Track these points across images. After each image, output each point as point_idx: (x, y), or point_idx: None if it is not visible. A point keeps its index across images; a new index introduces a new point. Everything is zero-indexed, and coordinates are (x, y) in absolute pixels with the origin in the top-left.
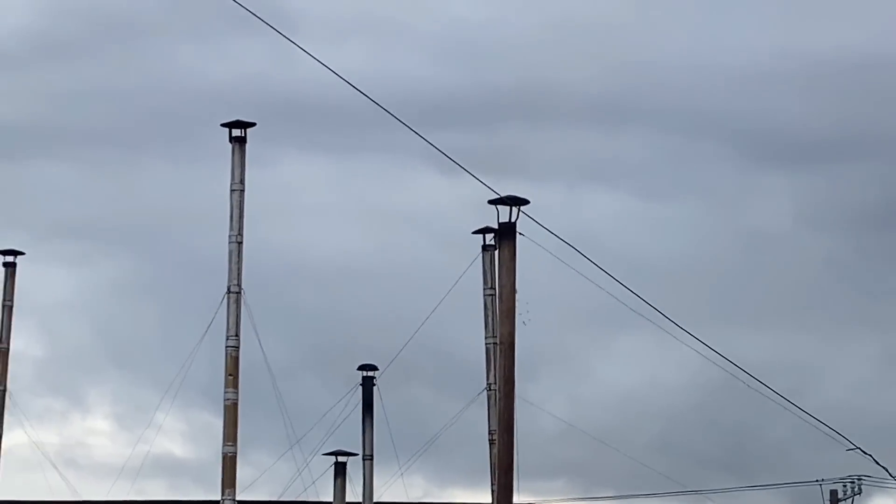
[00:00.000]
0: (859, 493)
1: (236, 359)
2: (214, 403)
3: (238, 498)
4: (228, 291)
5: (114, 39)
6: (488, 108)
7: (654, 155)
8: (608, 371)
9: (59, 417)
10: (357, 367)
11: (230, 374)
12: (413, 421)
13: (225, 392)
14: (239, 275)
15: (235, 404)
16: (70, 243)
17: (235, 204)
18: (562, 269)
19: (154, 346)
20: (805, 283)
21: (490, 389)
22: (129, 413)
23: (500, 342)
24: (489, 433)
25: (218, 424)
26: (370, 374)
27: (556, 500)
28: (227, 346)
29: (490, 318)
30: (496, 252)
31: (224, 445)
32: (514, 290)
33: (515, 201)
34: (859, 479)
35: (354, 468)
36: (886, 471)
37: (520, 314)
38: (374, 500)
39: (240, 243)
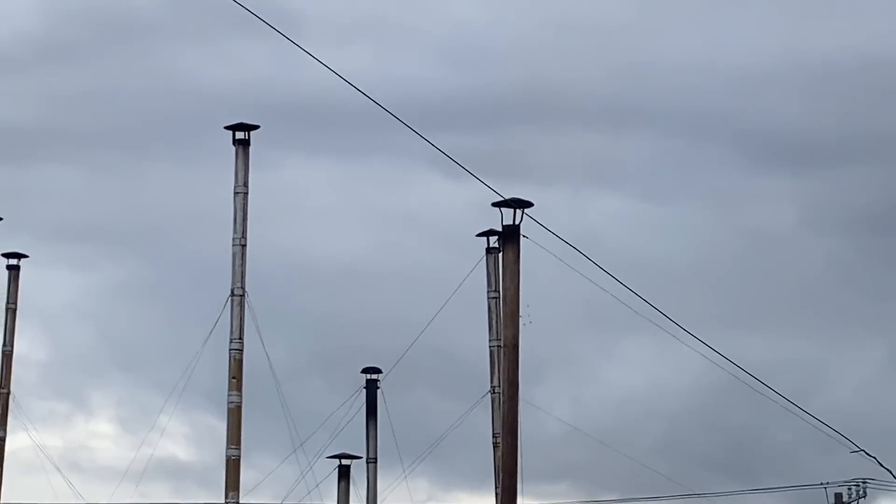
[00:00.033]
0: (864, 496)
1: (240, 361)
2: (218, 406)
3: (242, 501)
4: (232, 294)
5: (117, 42)
6: (492, 110)
7: (657, 157)
8: (612, 374)
9: (63, 420)
10: (361, 369)
11: (234, 377)
12: (417, 424)
13: (228, 395)
14: (242, 277)
15: (239, 407)
16: (73, 246)
17: (239, 206)
18: (565, 271)
19: (157, 349)
20: (808, 286)
21: (494, 392)
22: (132, 416)
23: (504, 345)
24: (493, 436)
25: (221, 427)
26: (374, 376)
27: (560, 503)
28: (230, 349)
29: (494, 321)
30: (500, 255)
31: (228, 448)
32: (517, 293)
33: (519, 204)
34: (864, 482)
35: (358, 471)
36: (890, 472)
37: (521, 316)
38: (378, 503)
39: (243, 246)
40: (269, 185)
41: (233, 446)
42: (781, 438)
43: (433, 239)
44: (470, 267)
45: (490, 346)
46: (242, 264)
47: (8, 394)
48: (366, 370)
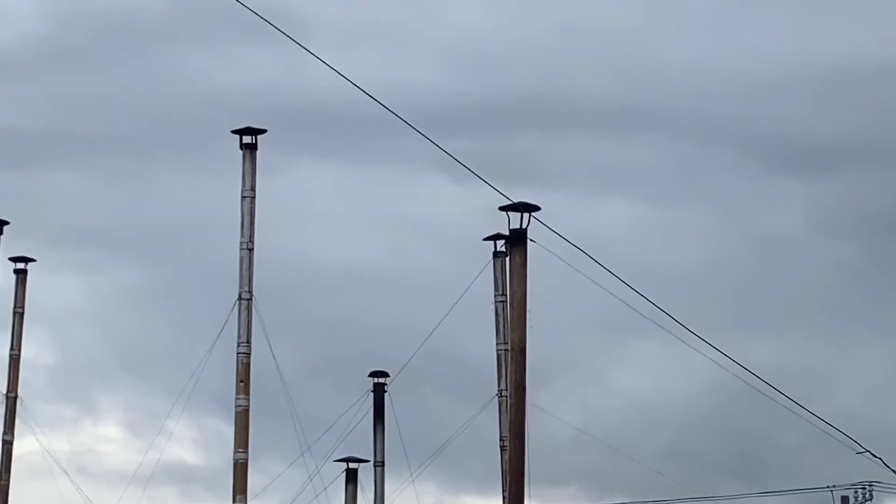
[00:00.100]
0: (870, 499)
1: (247, 365)
2: (225, 410)
3: None
4: (239, 298)
5: (124, 46)
6: (499, 114)
7: (665, 162)
8: (619, 377)
9: (71, 424)
10: (368, 373)
11: (241, 381)
12: (424, 427)
13: (236, 399)
14: (250, 281)
15: (247, 411)
16: (81, 250)
17: (246, 211)
18: (573, 275)
19: (165, 353)
20: (817, 290)
21: (501, 396)
22: (140, 420)
23: (512, 348)
24: (500, 439)
25: (229, 431)
26: (381, 380)
27: None
28: (238, 353)
29: (501, 325)
30: (507, 258)
31: (235, 452)
32: (525, 297)
33: (526, 208)
34: (870, 486)
35: (366, 475)
36: None
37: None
38: None
39: (251, 250)
40: (277, 189)
41: (240, 450)
42: (788, 442)
43: (440, 243)
44: (477, 271)
45: (497, 350)
46: (250, 268)
47: (15, 398)
48: (373, 374)
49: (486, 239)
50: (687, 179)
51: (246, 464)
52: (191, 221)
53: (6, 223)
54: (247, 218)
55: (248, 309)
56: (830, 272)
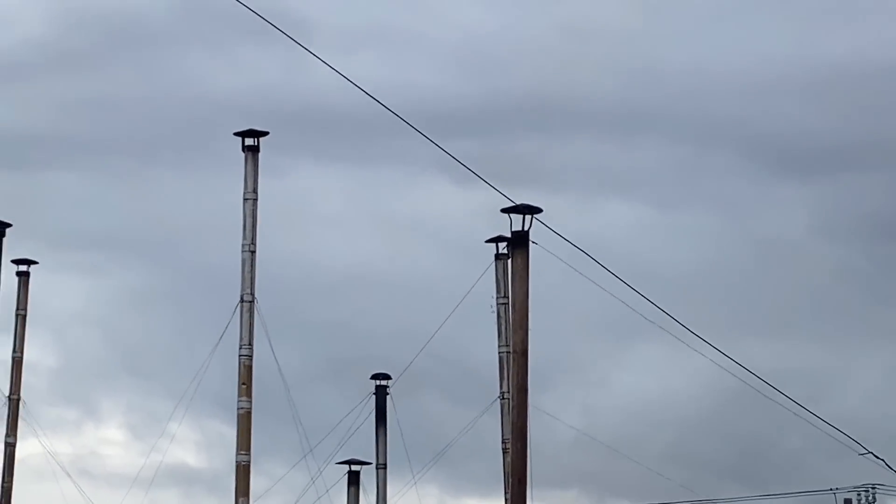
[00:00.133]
0: (874, 502)
1: (250, 368)
2: (228, 413)
3: None
4: (242, 300)
5: (126, 49)
6: (501, 117)
7: (666, 164)
8: (621, 380)
9: (73, 427)
10: (370, 375)
11: (243, 383)
12: (426, 430)
13: (238, 401)
14: (252, 284)
15: (249, 413)
16: (83, 253)
17: (248, 213)
18: (575, 277)
19: (167, 356)
20: (818, 292)
21: (503, 398)
22: (142, 422)
23: (514, 351)
24: (502, 442)
25: (231, 434)
26: (383, 383)
27: None
28: (240, 355)
29: (503, 327)
30: (509, 261)
31: (238, 454)
32: (526, 299)
33: (528, 210)
34: (873, 488)
35: (368, 477)
36: None
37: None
38: None
39: (253, 252)
40: (279, 192)
41: (242, 452)
42: (791, 445)
43: (442, 245)
44: (479, 273)
45: (499, 352)
46: (252, 270)
47: (18, 400)
48: (375, 376)
49: (487, 241)
50: (688, 181)
51: (248, 466)
52: (193, 224)
53: (9, 225)
54: (249, 220)
55: (251, 311)
56: (831, 274)
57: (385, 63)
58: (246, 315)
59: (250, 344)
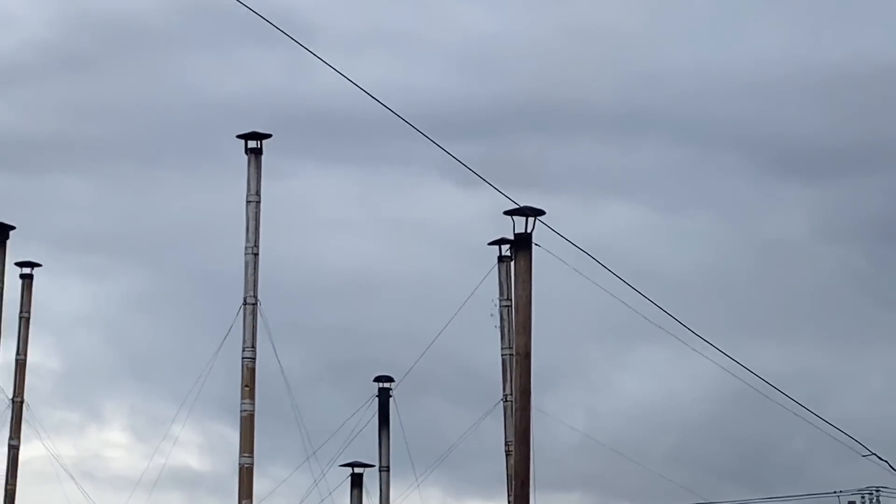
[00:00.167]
0: None
1: (252, 370)
2: (231, 415)
3: None
4: (245, 303)
5: (130, 53)
6: (504, 119)
7: (669, 166)
8: (624, 382)
9: (76, 430)
10: (373, 378)
11: (246, 386)
12: (429, 432)
13: (241, 403)
14: (255, 286)
15: (252, 415)
16: (86, 255)
17: (251, 215)
18: (578, 279)
19: (170, 358)
20: (821, 294)
21: (506, 401)
22: (145, 425)
23: (516, 353)
24: (505, 444)
25: (234, 436)
26: (386, 385)
27: None
28: (243, 358)
29: (506, 329)
30: (512, 263)
31: (241, 457)
32: (529, 301)
33: (531, 212)
34: (877, 491)
35: (371, 479)
36: None
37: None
38: None
39: (256, 255)
40: (282, 194)
41: (246, 454)
42: (794, 447)
43: (445, 248)
44: (482, 275)
45: (502, 355)
46: (255, 273)
47: (21, 402)
48: (378, 379)
49: (490, 243)
50: (690, 183)
51: (251, 468)
52: (196, 226)
53: (12, 228)
54: (252, 223)
55: (254, 314)
56: (834, 276)
57: (388, 66)
58: (249, 317)
59: (253, 346)
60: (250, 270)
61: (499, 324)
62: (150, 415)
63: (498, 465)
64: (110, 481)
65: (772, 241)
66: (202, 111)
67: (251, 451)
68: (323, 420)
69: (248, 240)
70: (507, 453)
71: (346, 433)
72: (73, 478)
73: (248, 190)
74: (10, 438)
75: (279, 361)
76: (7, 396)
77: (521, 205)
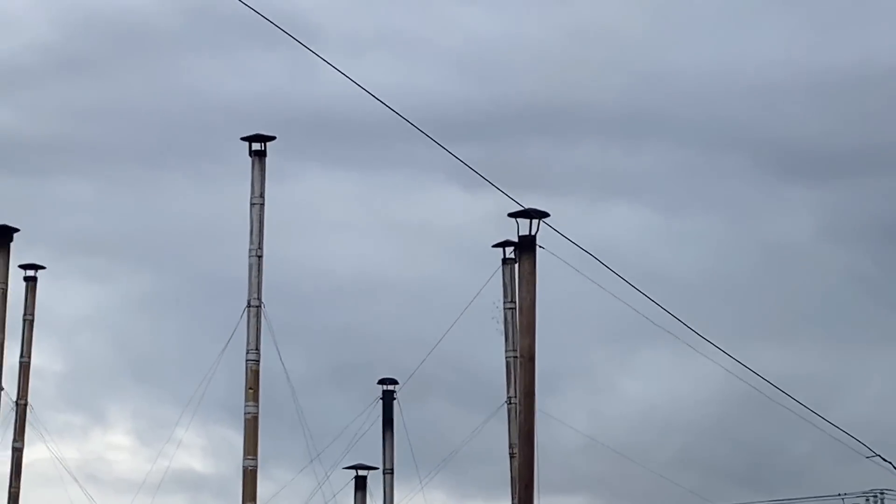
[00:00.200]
0: None
1: (256, 372)
2: (234, 418)
3: None
4: (249, 305)
5: (133, 55)
6: (508, 122)
7: (673, 168)
8: (629, 385)
9: (80, 432)
10: (377, 380)
11: (250, 388)
12: (433, 435)
13: (245, 406)
14: (259, 289)
15: (256, 418)
16: (90, 258)
17: (255, 218)
18: (582, 282)
19: (174, 361)
20: (825, 296)
21: (510, 403)
22: (149, 428)
23: (521, 355)
24: (509, 447)
25: (238, 439)
26: (390, 388)
27: None
28: (247, 360)
29: (510, 332)
30: (516, 265)
31: (245, 459)
32: (534, 303)
33: (536, 214)
34: (882, 493)
35: (375, 482)
36: None
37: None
38: None
39: (260, 257)
40: (286, 197)
41: (249, 457)
42: (799, 450)
43: (449, 250)
44: (486, 278)
45: (506, 357)
46: (259, 275)
47: (25, 405)
48: (382, 381)
49: (495, 246)
50: (695, 186)
51: (255, 471)
52: (200, 229)
53: (16, 230)
54: (256, 225)
55: (258, 316)
56: (839, 278)
57: (391, 68)
58: (253, 320)
59: (257, 349)
60: (254, 273)
61: (501, 327)
62: (154, 417)
63: (502, 468)
64: (114, 484)
65: (776, 243)
66: (205, 113)
67: (255, 454)
68: (327, 422)
69: (251, 242)
70: (511, 456)
71: (349, 436)
72: (76, 480)
73: (252, 192)
74: (14, 441)
75: (283, 364)
76: (11, 399)
77: (525, 207)
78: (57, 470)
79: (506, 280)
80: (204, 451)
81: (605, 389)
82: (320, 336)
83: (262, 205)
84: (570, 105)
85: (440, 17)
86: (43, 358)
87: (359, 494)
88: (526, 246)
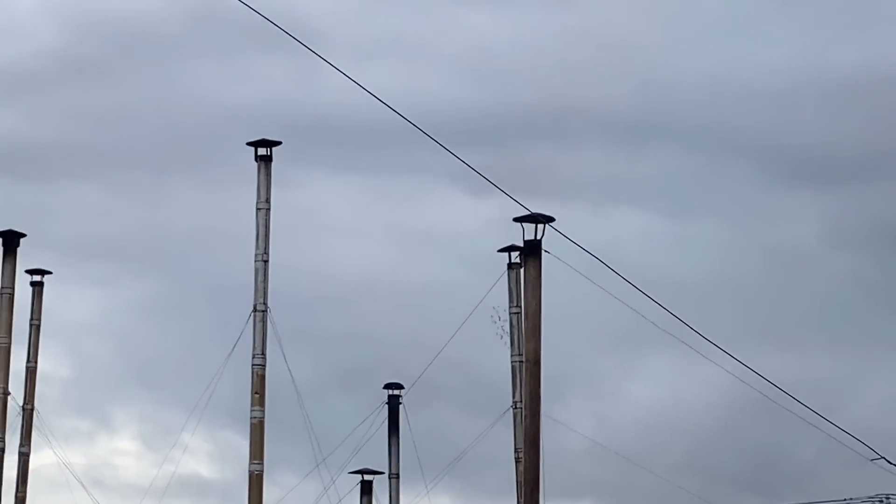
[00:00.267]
0: None
1: (262, 377)
2: (240, 423)
3: None
4: (255, 310)
5: (140, 60)
6: (513, 127)
7: (679, 173)
8: (635, 389)
9: (86, 437)
10: (383, 385)
11: (256, 393)
12: (439, 439)
13: (251, 410)
14: (265, 293)
15: (262, 422)
16: (97, 263)
17: (261, 223)
18: (588, 286)
19: (180, 366)
20: (831, 301)
21: (516, 408)
22: (155, 433)
23: (526, 360)
24: (515, 451)
25: (244, 444)
26: (396, 392)
27: None
28: (253, 365)
29: (516, 336)
30: (521, 270)
31: (250, 464)
32: (539, 308)
33: (541, 219)
34: (887, 498)
35: (381, 487)
36: None
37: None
38: None
39: (266, 262)
40: (292, 201)
41: (255, 461)
42: (805, 454)
43: (455, 255)
44: (491, 282)
45: (512, 362)
46: (265, 280)
47: (32, 410)
48: (388, 386)
49: (500, 251)
50: (700, 191)
51: (261, 476)
52: (206, 234)
53: (23, 235)
54: (262, 230)
55: (264, 321)
56: (845, 283)
57: (397, 73)
58: (259, 325)
59: (263, 353)
60: (260, 278)
61: (502, 333)
62: (160, 422)
63: (508, 473)
64: (120, 489)
65: (782, 248)
66: (212, 118)
67: (261, 459)
68: (333, 427)
69: (258, 247)
70: (517, 460)
71: (355, 440)
72: (83, 485)
73: (259, 197)
74: (21, 446)
75: (289, 369)
76: (17, 404)
77: (531, 212)
78: (63, 475)
79: (511, 285)
80: (210, 455)
81: (611, 394)
82: (326, 341)
83: (268, 210)
84: (576, 110)
85: (445, 22)
86: (49, 363)
87: (364, 499)
88: (531, 250)
